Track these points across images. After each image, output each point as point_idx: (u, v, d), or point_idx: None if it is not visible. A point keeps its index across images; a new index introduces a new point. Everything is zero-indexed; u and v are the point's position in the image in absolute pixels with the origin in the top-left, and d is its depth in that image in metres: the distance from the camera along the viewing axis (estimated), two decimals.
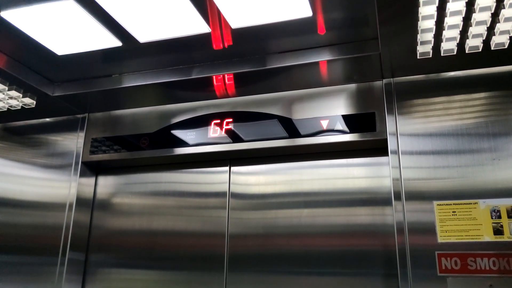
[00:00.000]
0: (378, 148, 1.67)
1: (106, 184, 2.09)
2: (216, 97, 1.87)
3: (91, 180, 2.09)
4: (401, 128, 1.56)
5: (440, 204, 1.43)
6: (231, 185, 1.87)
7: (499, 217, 1.36)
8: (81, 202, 2.00)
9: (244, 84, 1.75)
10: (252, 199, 1.82)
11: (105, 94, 1.88)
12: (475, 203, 1.40)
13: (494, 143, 1.44)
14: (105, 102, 1.97)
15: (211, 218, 1.85)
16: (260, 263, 1.72)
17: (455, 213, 1.41)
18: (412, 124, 1.55)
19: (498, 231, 1.35)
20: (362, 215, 1.65)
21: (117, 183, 2.07)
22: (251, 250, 1.75)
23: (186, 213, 1.90)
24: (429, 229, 1.41)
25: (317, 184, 1.75)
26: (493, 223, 1.36)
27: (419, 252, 1.40)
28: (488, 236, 1.36)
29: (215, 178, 1.91)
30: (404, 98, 1.60)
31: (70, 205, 1.95)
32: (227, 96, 1.85)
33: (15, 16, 1.40)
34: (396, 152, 1.54)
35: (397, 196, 1.48)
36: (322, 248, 1.66)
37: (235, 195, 1.85)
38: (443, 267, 1.36)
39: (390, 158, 1.53)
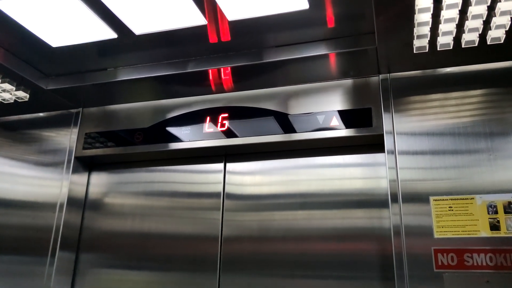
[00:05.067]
0: (375, 145, 1.66)
1: (98, 183, 2.05)
2: (212, 92, 1.86)
3: (84, 179, 2.05)
4: (397, 127, 1.55)
5: (437, 200, 1.42)
6: (226, 185, 1.85)
7: (496, 212, 1.35)
8: (73, 202, 1.97)
9: (240, 79, 1.74)
10: (247, 200, 1.80)
11: (100, 88, 1.86)
12: (471, 199, 1.39)
13: (491, 142, 1.43)
14: (100, 96, 1.95)
15: (205, 219, 1.82)
16: (255, 266, 1.69)
17: (451, 209, 1.39)
18: (408, 122, 1.54)
19: (494, 226, 1.34)
20: (359, 218, 1.63)
21: (110, 182, 2.04)
22: (245, 252, 1.72)
23: (179, 214, 1.87)
24: (426, 231, 1.39)
25: (313, 185, 1.73)
26: (489, 218, 1.35)
27: (416, 255, 1.37)
28: (484, 232, 1.34)
29: (210, 178, 1.89)
30: (401, 94, 1.59)
31: (61, 205, 1.91)
32: (223, 91, 1.84)
33: (9, 6, 1.39)
34: (393, 152, 1.52)
35: (394, 198, 1.46)
36: (319, 251, 1.63)
37: (230, 196, 1.83)
38: (440, 263, 1.34)
39: (387, 158, 1.51)
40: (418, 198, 1.43)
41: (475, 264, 1.31)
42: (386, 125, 1.56)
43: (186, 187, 1.91)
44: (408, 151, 1.51)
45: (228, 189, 1.84)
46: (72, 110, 2.08)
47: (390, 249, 1.43)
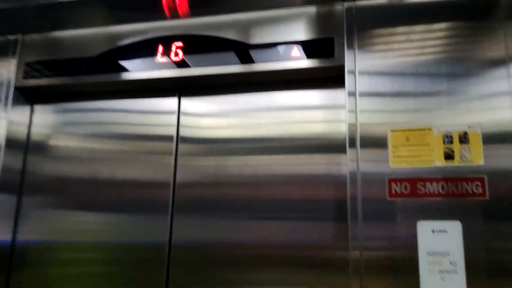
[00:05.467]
0: (336, 78, 1.58)
1: (41, 124, 1.88)
2: (166, 18, 1.70)
3: (25, 117, 1.87)
4: (360, 65, 1.47)
5: (394, 131, 1.38)
6: (180, 128, 1.73)
7: (451, 142, 1.33)
8: (12, 143, 1.79)
9: (196, 3, 1.60)
10: (203, 144, 1.69)
11: (40, 10, 1.68)
12: (429, 129, 1.36)
13: (452, 82, 1.39)
14: (41, 21, 1.76)
15: (158, 164, 1.72)
16: (209, 209, 1.62)
17: (408, 139, 1.36)
18: (371, 59, 1.47)
19: (449, 156, 1.32)
20: (318, 163, 1.57)
21: (54, 123, 1.86)
22: (199, 196, 1.64)
23: (130, 158, 1.75)
24: (383, 174, 1.35)
25: (272, 128, 1.64)
26: (445, 148, 1.33)
27: (371, 197, 1.34)
28: (439, 161, 1.32)
29: (163, 120, 1.76)
30: (365, 27, 1.51)
31: None
32: (178, 17, 1.69)
33: None
34: (353, 94, 1.45)
35: (352, 143, 1.40)
36: (275, 196, 1.57)
37: (184, 139, 1.72)
38: (393, 192, 1.32)
39: (347, 101, 1.45)
40: (377, 142, 1.38)
41: (427, 192, 1.30)
42: (348, 63, 1.48)
43: (137, 129, 1.78)
44: (369, 92, 1.45)
45: (183, 132, 1.73)
46: (10, 37, 1.86)
47: (346, 194, 1.39)
